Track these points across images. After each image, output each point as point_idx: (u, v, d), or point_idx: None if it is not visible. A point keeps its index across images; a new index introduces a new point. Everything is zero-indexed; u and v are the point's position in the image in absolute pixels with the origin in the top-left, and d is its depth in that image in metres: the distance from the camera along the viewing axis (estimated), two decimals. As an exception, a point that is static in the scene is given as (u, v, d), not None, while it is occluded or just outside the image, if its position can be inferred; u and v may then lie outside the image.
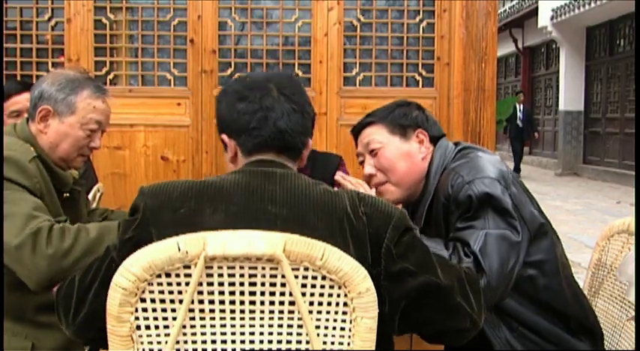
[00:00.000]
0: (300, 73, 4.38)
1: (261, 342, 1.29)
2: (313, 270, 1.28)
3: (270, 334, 1.29)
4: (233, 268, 1.26)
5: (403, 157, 2.14)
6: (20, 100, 2.96)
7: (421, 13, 4.42)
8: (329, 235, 1.38)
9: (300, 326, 1.29)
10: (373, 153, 2.18)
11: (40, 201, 1.92)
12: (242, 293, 1.27)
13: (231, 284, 1.26)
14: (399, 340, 1.79)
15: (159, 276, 1.25)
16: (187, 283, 1.25)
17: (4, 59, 4.35)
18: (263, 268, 1.26)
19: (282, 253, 1.25)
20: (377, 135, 2.18)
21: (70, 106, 2.08)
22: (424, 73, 4.43)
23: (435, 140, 2.18)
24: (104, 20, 4.33)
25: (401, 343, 1.81)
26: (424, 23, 4.42)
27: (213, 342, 1.28)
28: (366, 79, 4.41)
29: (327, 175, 3.00)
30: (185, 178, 4.33)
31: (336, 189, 2.40)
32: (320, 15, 4.35)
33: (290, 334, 1.30)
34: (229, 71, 4.36)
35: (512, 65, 23.43)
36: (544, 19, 17.39)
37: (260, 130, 1.55)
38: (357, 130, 2.27)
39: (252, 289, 1.27)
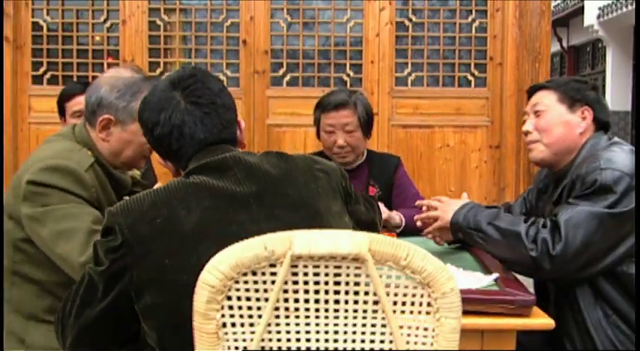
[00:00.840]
0: (352, 74, 4.38)
1: (345, 341, 1.30)
2: (397, 269, 1.28)
3: (354, 333, 1.30)
4: (318, 267, 1.26)
5: (562, 124, 2.22)
6: (82, 101, 3.01)
7: (473, 12, 4.40)
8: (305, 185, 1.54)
9: (383, 326, 1.30)
10: (537, 114, 2.27)
11: (97, 212, 1.90)
12: (326, 292, 1.27)
13: (316, 283, 1.27)
14: (470, 340, 1.78)
15: (245, 274, 1.26)
16: (273, 282, 1.26)
17: (60, 60, 4.44)
18: (347, 267, 1.27)
19: (367, 253, 1.25)
20: (546, 99, 2.26)
21: (132, 114, 1.99)
22: (476, 73, 4.40)
23: (598, 124, 2.23)
24: (158, 22, 4.39)
25: (472, 343, 1.80)
26: (476, 23, 4.39)
27: (298, 340, 1.29)
28: (418, 79, 4.40)
29: (385, 176, 2.99)
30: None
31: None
32: (371, 15, 4.35)
33: (373, 333, 1.30)
34: (281, 72, 4.39)
35: (557, 65, 23.07)
36: (590, 17, 17.09)
37: (182, 149, 1.56)
38: (531, 90, 2.34)
39: (337, 288, 1.28)
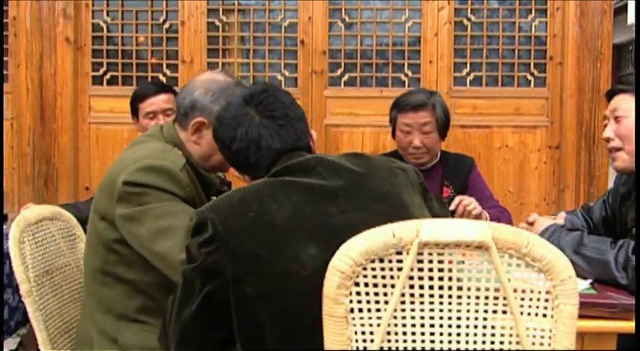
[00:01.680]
0: (410, 74, 4.45)
1: (467, 326, 1.37)
2: (518, 257, 1.35)
3: (476, 319, 1.37)
4: (442, 254, 1.34)
5: None
6: (156, 102, 3.11)
7: (533, 11, 4.44)
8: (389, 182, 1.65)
9: (504, 312, 1.37)
10: (617, 119, 2.22)
11: (193, 209, 1.88)
12: (450, 279, 1.35)
13: (440, 270, 1.35)
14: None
15: (372, 261, 1.34)
16: (399, 269, 1.34)
17: (120, 61, 4.57)
18: (470, 255, 1.35)
19: (491, 240, 1.33)
20: (625, 103, 2.22)
21: None
22: (536, 72, 4.44)
23: None
24: (217, 22, 4.50)
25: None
26: (536, 22, 4.44)
27: (422, 326, 1.37)
28: (477, 79, 4.46)
29: (459, 177, 3.04)
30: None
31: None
32: (430, 15, 4.42)
33: (495, 319, 1.37)
34: (339, 72, 4.47)
35: (597, 66, 22.86)
36: (633, 16, 16.96)
37: (260, 161, 1.66)
38: (610, 93, 2.32)
39: (460, 275, 1.35)
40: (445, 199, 2.93)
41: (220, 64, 4.50)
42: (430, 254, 1.35)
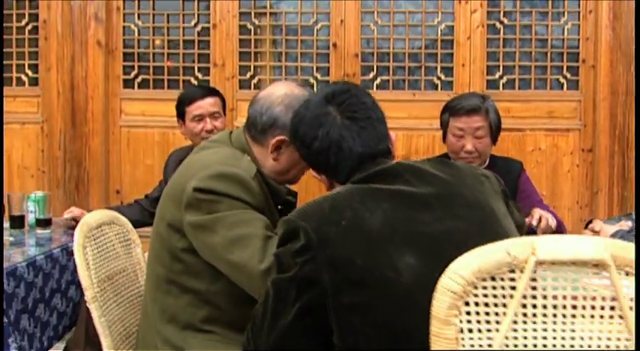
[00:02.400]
0: (443, 77, 4.38)
1: (581, 346, 1.30)
2: (632, 274, 1.28)
3: (590, 338, 1.30)
4: (557, 272, 1.27)
5: None
6: (204, 105, 3.05)
7: (565, 14, 4.36)
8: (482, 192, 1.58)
9: (619, 331, 1.30)
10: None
11: (265, 218, 1.85)
12: (564, 297, 1.28)
13: (555, 288, 1.28)
14: None
15: (484, 279, 1.27)
16: (511, 287, 1.27)
17: (151, 64, 4.50)
18: (586, 273, 1.27)
19: (610, 258, 1.26)
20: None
21: None
22: (569, 75, 4.37)
23: None
24: (248, 25, 4.43)
25: None
26: (569, 25, 4.36)
27: (535, 346, 1.30)
28: (510, 82, 4.38)
29: (509, 181, 2.96)
30: (326, 181, 4.39)
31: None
32: (463, 18, 4.34)
33: (609, 339, 1.30)
34: (371, 75, 4.40)
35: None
36: None
37: (340, 164, 1.58)
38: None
39: (574, 293, 1.28)
40: None
41: (252, 68, 4.43)
42: (544, 272, 1.28)
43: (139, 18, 4.49)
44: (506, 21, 4.37)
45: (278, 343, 1.49)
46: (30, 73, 4.57)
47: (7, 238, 2.86)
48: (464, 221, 1.50)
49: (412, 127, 4.35)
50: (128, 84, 4.51)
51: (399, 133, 4.34)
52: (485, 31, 4.35)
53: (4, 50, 4.61)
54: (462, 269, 1.27)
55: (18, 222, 3.06)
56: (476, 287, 1.28)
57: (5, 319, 2.33)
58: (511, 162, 3.08)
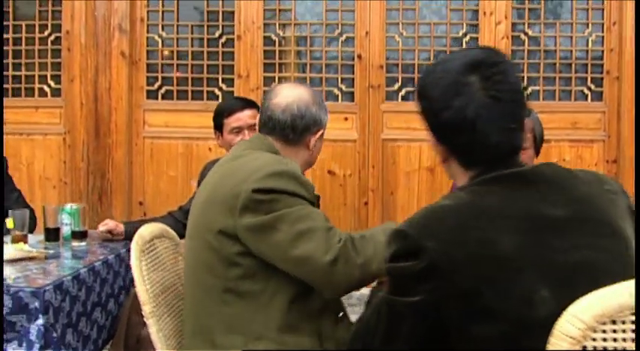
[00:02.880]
0: (467, 88, 4.35)
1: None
2: None
3: None
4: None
5: None
6: (242, 117, 2.99)
7: (590, 26, 4.34)
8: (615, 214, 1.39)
9: None
10: None
11: (321, 211, 1.88)
12: None
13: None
14: None
15: (604, 323, 1.20)
16: (632, 331, 1.20)
17: (175, 75, 4.46)
18: None
19: None
20: None
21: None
22: (593, 87, 4.34)
23: None
24: (273, 36, 4.40)
25: None
26: (593, 36, 4.34)
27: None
28: (534, 93, 4.35)
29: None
30: (351, 191, 4.35)
31: None
32: (487, 29, 4.32)
33: None
34: (396, 86, 4.37)
35: None
36: None
37: (470, 147, 1.38)
38: None
39: None
40: None
41: (277, 79, 4.39)
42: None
43: (162, 29, 4.45)
44: (530, 32, 4.35)
45: None
46: (52, 84, 4.52)
47: (45, 250, 2.81)
48: (602, 251, 1.33)
49: (437, 138, 4.31)
50: (151, 95, 4.46)
51: (423, 145, 4.31)
52: (509, 43, 4.32)
53: (27, 61, 4.57)
54: (584, 313, 1.19)
55: (53, 234, 3.00)
56: (595, 331, 1.22)
57: (54, 334, 2.27)
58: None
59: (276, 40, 4.40)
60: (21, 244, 2.74)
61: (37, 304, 2.24)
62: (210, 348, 1.94)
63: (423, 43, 4.38)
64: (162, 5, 4.45)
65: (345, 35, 4.36)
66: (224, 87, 4.41)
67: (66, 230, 3.08)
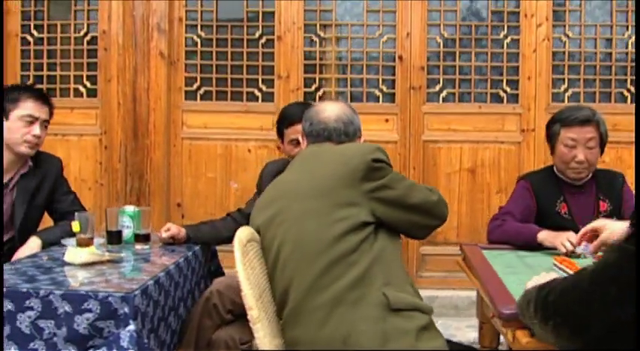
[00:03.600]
0: (509, 90, 4.32)
1: None
2: None
3: None
4: None
5: None
6: (300, 129, 2.93)
7: (629, 28, 4.32)
8: None
9: None
10: None
11: None
12: None
13: None
14: None
15: None
16: None
17: (214, 76, 4.39)
18: None
19: None
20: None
21: None
22: (632, 89, 4.32)
23: None
24: (313, 37, 4.34)
25: None
26: (632, 39, 4.32)
27: None
28: (574, 95, 4.33)
29: (613, 191, 2.94)
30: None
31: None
32: (528, 31, 4.29)
33: None
34: (437, 87, 4.32)
35: None
36: None
37: None
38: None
39: None
40: (602, 213, 2.87)
41: (317, 80, 4.33)
42: None
43: (201, 29, 4.38)
44: (570, 34, 4.32)
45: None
46: (88, 84, 4.43)
47: (117, 254, 2.74)
48: None
49: (478, 139, 4.28)
50: (190, 96, 4.38)
51: (464, 146, 4.28)
52: (550, 45, 4.29)
53: (62, 61, 4.48)
54: None
55: (115, 237, 2.93)
56: None
57: (145, 340, 2.21)
58: (613, 173, 3.07)
59: (317, 40, 4.34)
60: (92, 248, 2.67)
61: (126, 309, 2.18)
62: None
63: (464, 45, 4.34)
64: (201, 5, 4.37)
65: (387, 36, 4.31)
66: (264, 88, 4.35)
67: (127, 233, 3.02)
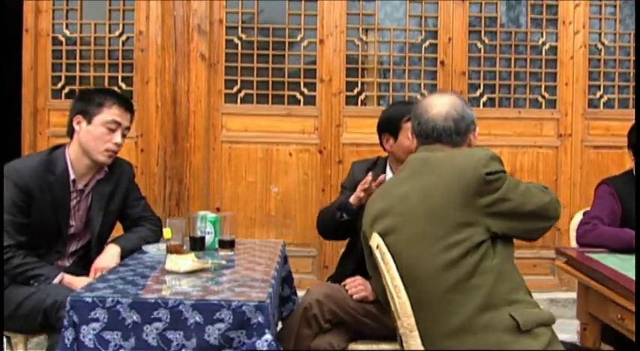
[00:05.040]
0: (547, 95, 4.35)
1: None
2: None
3: None
4: None
5: None
6: None
7: (660, 36, 4.41)
8: None
9: None
10: None
11: None
12: None
13: None
14: None
15: None
16: None
17: (255, 79, 4.31)
18: None
19: None
20: None
21: None
22: (665, 95, 4.41)
23: None
24: (356, 41, 4.29)
25: None
26: (663, 47, 4.40)
27: None
28: (610, 101, 4.39)
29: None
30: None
31: None
32: (566, 38, 4.33)
33: None
34: (478, 92, 4.33)
35: None
36: None
37: None
38: None
39: None
40: None
41: (359, 84, 4.29)
42: None
43: (242, 31, 4.28)
44: (606, 42, 4.38)
45: None
46: (124, 85, 4.29)
47: (217, 261, 2.65)
48: None
49: (517, 144, 4.30)
50: (230, 99, 4.28)
51: (503, 150, 4.29)
52: (587, 52, 4.34)
53: (96, 62, 4.32)
54: None
55: (199, 244, 2.83)
56: None
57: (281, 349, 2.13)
58: None
59: (359, 44, 4.29)
60: (192, 255, 2.58)
61: (260, 318, 2.09)
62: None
63: (504, 51, 4.36)
64: (242, 6, 4.28)
65: (429, 41, 4.30)
66: (305, 91, 4.28)
67: (208, 239, 2.92)
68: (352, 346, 2.73)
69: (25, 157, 3.01)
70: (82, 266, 2.89)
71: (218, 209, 4.26)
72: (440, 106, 2.13)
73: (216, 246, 2.94)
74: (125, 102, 2.82)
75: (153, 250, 2.85)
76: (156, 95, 4.19)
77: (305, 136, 4.25)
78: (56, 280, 2.59)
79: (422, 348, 1.93)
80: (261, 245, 3.20)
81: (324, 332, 2.66)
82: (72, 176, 2.74)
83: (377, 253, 2.08)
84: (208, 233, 2.91)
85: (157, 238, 3.02)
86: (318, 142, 4.23)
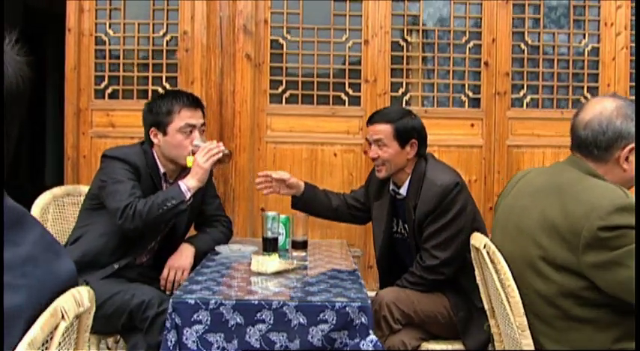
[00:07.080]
0: (589, 96, 4.36)
1: None
2: None
3: None
4: None
5: None
6: None
7: (699, 38, 4.43)
8: None
9: None
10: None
11: None
12: None
13: None
14: None
15: None
16: None
17: (300, 79, 4.29)
18: None
19: None
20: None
21: None
22: (703, 96, 4.43)
23: None
24: (401, 42, 4.29)
25: None
26: (702, 48, 4.42)
27: None
28: (650, 102, 4.40)
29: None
30: (477, 196, 4.28)
31: None
32: (608, 39, 4.33)
33: None
34: (522, 93, 4.33)
35: None
36: None
37: None
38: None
39: None
40: None
41: (404, 84, 4.28)
42: None
43: (287, 32, 4.27)
44: (646, 43, 4.40)
45: None
46: (168, 85, 4.26)
47: (300, 262, 2.65)
48: None
49: (560, 144, 4.28)
50: (275, 99, 4.27)
51: (546, 151, 4.30)
52: (628, 53, 4.35)
53: (139, 62, 4.30)
54: None
55: (272, 245, 2.82)
56: None
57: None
58: None
59: (404, 45, 4.29)
60: (276, 256, 2.57)
61: (363, 319, 2.10)
62: None
63: (546, 52, 4.36)
64: (287, 7, 4.26)
65: (473, 42, 4.29)
66: (350, 92, 4.27)
67: (280, 240, 2.91)
68: (425, 345, 2.73)
69: (119, 146, 3.02)
70: (154, 261, 2.88)
71: (263, 209, 4.24)
72: (587, 112, 1.94)
73: (287, 246, 2.94)
74: (192, 101, 2.80)
75: (226, 250, 2.84)
76: (202, 95, 4.13)
77: (350, 137, 4.24)
78: (188, 196, 2.60)
79: (533, 348, 1.92)
80: (327, 245, 3.20)
81: (394, 333, 2.66)
82: (162, 170, 2.75)
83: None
84: (280, 234, 2.90)
85: (228, 240, 3.02)
86: (363, 143, 4.22)
